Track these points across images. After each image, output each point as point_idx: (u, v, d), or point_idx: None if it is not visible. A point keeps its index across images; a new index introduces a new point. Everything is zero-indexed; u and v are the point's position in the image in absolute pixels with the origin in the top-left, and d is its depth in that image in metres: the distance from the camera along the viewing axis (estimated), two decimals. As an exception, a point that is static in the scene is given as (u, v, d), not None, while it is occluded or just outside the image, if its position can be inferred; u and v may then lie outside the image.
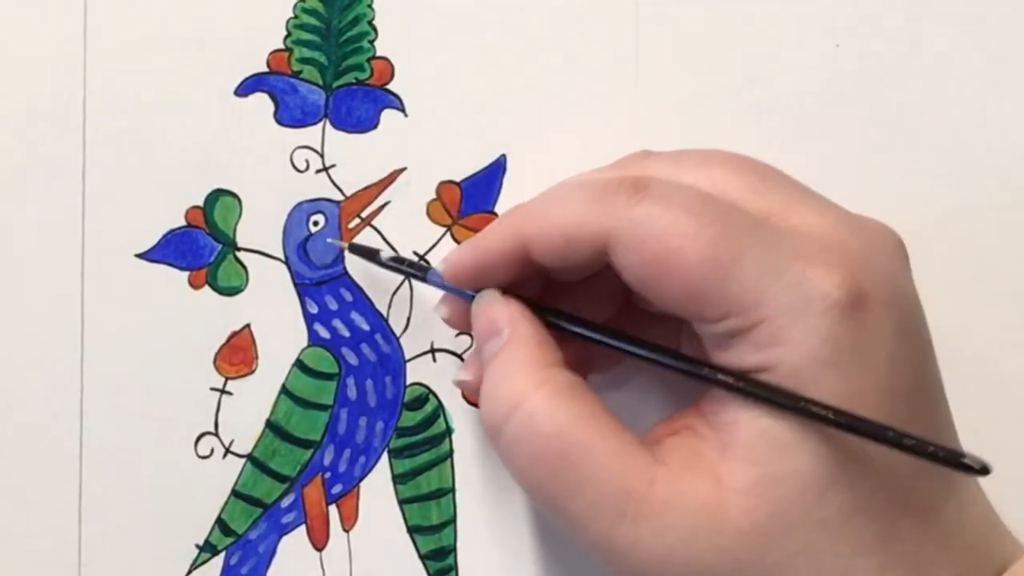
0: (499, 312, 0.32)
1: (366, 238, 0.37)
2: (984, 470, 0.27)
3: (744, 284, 0.29)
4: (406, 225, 0.37)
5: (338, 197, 0.37)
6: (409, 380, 0.38)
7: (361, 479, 0.38)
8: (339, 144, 0.37)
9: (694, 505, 0.29)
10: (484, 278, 0.33)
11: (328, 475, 0.37)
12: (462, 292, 0.34)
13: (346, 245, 0.37)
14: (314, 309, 0.37)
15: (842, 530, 0.28)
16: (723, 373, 0.30)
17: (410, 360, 0.38)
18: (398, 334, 0.38)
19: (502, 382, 0.31)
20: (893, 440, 0.28)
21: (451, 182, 0.38)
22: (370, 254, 0.36)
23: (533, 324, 0.32)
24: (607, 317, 0.34)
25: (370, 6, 0.37)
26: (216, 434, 0.37)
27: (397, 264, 0.35)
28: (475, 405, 0.37)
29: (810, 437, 0.28)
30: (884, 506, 0.29)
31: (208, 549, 0.37)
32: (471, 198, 0.38)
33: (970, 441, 0.31)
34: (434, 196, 0.38)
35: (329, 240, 0.37)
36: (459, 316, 0.34)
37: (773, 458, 0.28)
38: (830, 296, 0.28)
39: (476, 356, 0.34)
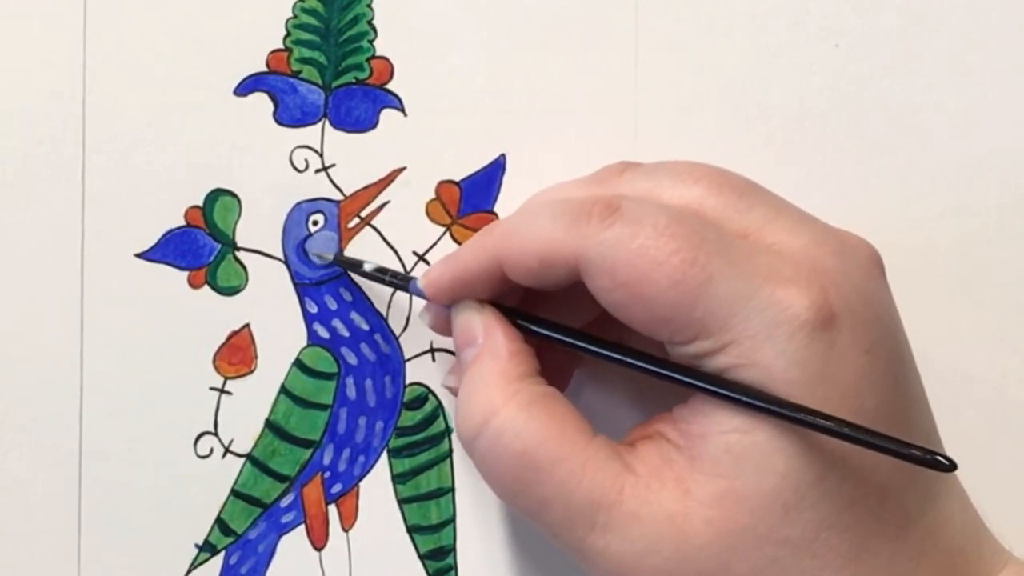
0: (474, 321, 0.33)
1: (366, 238, 0.37)
2: (951, 465, 0.27)
3: (712, 308, 0.29)
4: (405, 225, 0.37)
5: (337, 197, 0.37)
6: (408, 380, 0.38)
7: (361, 479, 0.38)
8: (338, 144, 0.37)
9: (661, 516, 0.29)
10: (462, 293, 0.33)
11: (328, 475, 0.37)
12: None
13: (330, 258, 0.37)
14: (313, 309, 0.37)
15: (810, 546, 0.28)
16: (698, 376, 0.30)
17: (409, 360, 0.38)
18: (397, 334, 0.38)
19: (474, 394, 0.31)
20: (849, 435, 0.28)
21: (450, 182, 0.38)
22: (354, 266, 0.37)
23: (508, 334, 0.32)
24: (588, 320, 0.35)
25: (369, 6, 0.37)
26: (216, 434, 0.37)
27: (380, 275, 0.36)
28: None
29: (778, 454, 0.29)
30: (855, 523, 0.29)
31: (207, 549, 0.37)
32: (471, 198, 0.38)
33: (960, 447, 0.31)
34: (433, 196, 0.38)
35: (314, 253, 0.37)
36: (442, 323, 0.35)
37: (739, 473, 0.29)
38: (799, 318, 0.28)
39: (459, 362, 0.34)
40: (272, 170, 0.37)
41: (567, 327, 0.33)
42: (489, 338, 0.32)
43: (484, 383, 0.31)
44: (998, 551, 0.31)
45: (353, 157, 0.37)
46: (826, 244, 0.31)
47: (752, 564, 0.28)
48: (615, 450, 0.31)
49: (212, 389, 0.37)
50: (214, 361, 0.37)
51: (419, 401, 0.38)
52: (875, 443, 0.28)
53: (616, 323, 0.32)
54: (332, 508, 0.37)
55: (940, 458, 0.27)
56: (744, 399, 0.29)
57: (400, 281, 0.35)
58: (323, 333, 0.37)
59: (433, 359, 0.38)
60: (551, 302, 0.34)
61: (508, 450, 0.30)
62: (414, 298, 0.38)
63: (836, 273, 0.30)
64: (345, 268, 0.37)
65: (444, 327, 0.35)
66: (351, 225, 0.37)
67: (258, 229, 0.37)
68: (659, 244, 0.29)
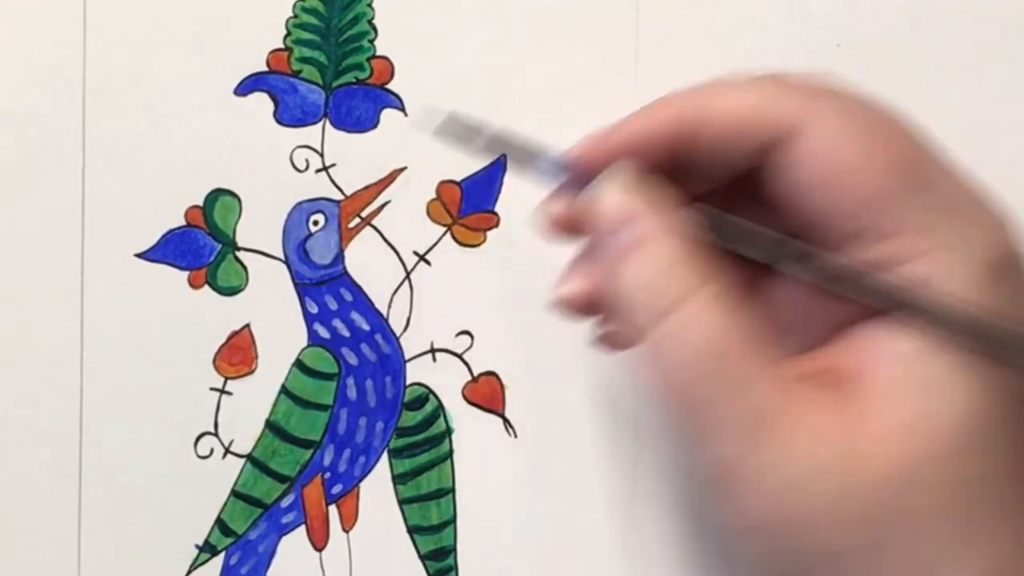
0: (641, 197, 0.29)
1: (366, 237, 0.37)
2: None
3: (929, 207, 0.27)
4: (406, 225, 0.37)
5: (338, 196, 0.37)
6: (409, 380, 0.38)
7: (361, 479, 0.37)
8: (339, 143, 0.37)
9: (830, 442, 0.27)
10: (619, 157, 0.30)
11: (328, 475, 0.37)
12: (577, 185, 0.30)
13: (443, 119, 0.31)
14: (314, 309, 0.37)
15: (979, 490, 0.26)
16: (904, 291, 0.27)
17: (410, 360, 0.38)
18: (398, 334, 0.38)
19: (663, 273, 0.28)
20: None
21: (451, 181, 0.38)
22: (465, 135, 0.31)
23: (683, 220, 0.29)
24: None
25: (370, 5, 0.38)
26: (216, 434, 0.37)
27: (494, 146, 0.31)
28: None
29: (956, 389, 0.27)
30: None
31: (208, 549, 0.37)
32: (471, 197, 0.38)
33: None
34: (434, 195, 0.38)
35: (433, 131, 0.31)
36: (567, 219, 0.31)
37: (913, 406, 0.27)
38: (997, 251, 0.27)
39: (586, 260, 0.31)
40: (272, 170, 0.37)
41: (754, 226, 0.30)
42: (666, 215, 0.29)
43: (668, 265, 0.28)
44: None
45: (353, 157, 0.37)
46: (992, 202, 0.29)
47: (921, 504, 0.26)
48: (790, 369, 0.28)
49: (212, 389, 0.37)
50: (214, 361, 0.37)
51: (419, 401, 0.38)
52: None
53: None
54: (332, 508, 0.37)
55: None
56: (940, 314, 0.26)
57: (523, 156, 0.30)
58: (324, 333, 0.37)
59: (434, 359, 0.38)
60: None
61: (694, 337, 0.27)
62: (416, 298, 0.38)
63: (1013, 223, 0.29)
64: (452, 139, 0.31)
65: (570, 220, 0.30)
66: (352, 225, 0.37)
67: (258, 229, 0.37)
68: (897, 126, 0.28)
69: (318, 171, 0.37)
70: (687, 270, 0.28)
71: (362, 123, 0.37)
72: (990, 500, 0.27)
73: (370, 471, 0.38)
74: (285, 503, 0.37)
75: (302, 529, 0.37)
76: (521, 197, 0.36)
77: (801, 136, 0.28)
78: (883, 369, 0.27)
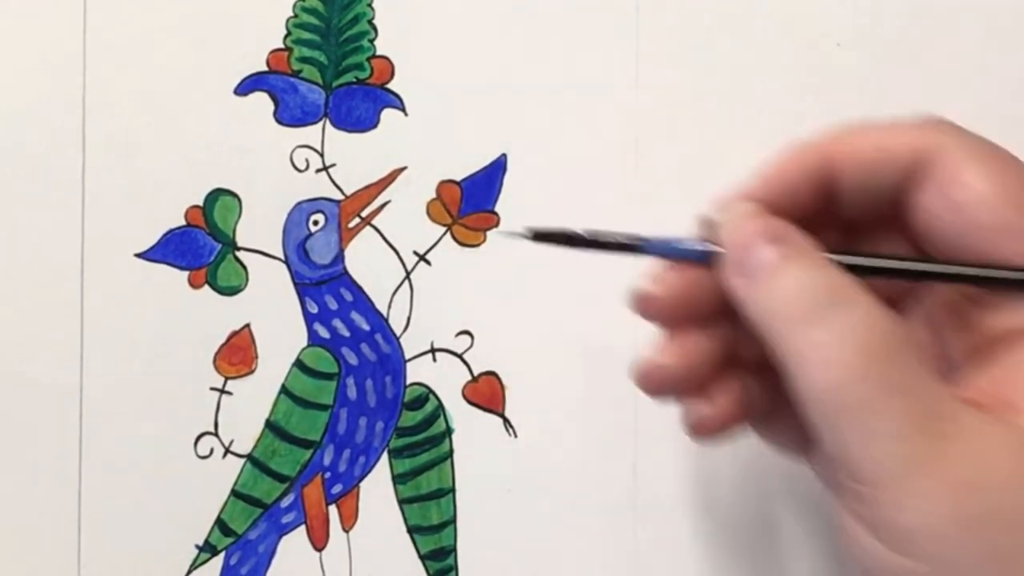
0: (773, 222, 0.29)
1: (365, 238, 0.37)
2: None
3: None
4: (406, 224, 0.37)
5: (338, 196, 0.37)
6: (409, 380, 0.38)
7: (361, 479, 0.37)
8: (339, 143, 0.37)
9: (1011, 444, 0.26)
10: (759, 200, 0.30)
11: (328, 475, 0.37)
12: (700, 254, 0.29)
13: (531, 234, 0.30)
14: (314, 309, 0.37)
15: None
16: None
17: (410, 360, 0.38)
18: (398, 334, 0.38)
19: (813, 277, 0.28)
20: None
21: (451, 181, 0.38)
22: (565, 240, 0.30)
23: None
24: None
25: (370, 5, 0.38)
26: (216, 434, 0.37)
27: (601, 244, 0.30)
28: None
29: None
30: None
31: (208, 549, 0.37)
32: (471, 197, 0.38)
33: None
34: (434, 195, 0.38)
35: (512, 232, 0.30)
36: (679, 290, 0.30)
37: None
38: None
39: (676, 337, 0.30)
40: (272, 170, 0.37)
41: (889, 255, 0.30)
42: (801, 240, 0.29)
43: (826, 273, 0.28)
44: None
45: (354, 157, 0.37)
46: None
47: None
48: (950, 389, 0.28)
49: (212, 389, 0.37)
50: (214, 361, 0.37)
51: (419, 401, 0.38)
52: None
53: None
54: (332, 508, 0.37)
55: None
56: None
57: (635, 243, 0.30)
58: (324, 333, 0.37)
59: (434, 359, 0.38)
60: None
61: (871, 329, 0.27)
62: (416, 298, 0.38)
63: None
64: (550, 243, 0.30)
65: (677, 298, 0.30)
66: (352, 225, 0.37)
67: (258, 229, 0.37)
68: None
69: (318, 171, 0.37)
70: (843, 278, 0.28)
71: (362, 123, 0.37)
72: None
73: (370, 471, 0.38)
74: (285, 503, 0.37)
75: (302, 529, 0.37)
76: (521, 198, 0.36)
77: (932, 166, 0.29)
78: None
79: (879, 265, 0.29)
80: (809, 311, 0.27)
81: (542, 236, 0.30)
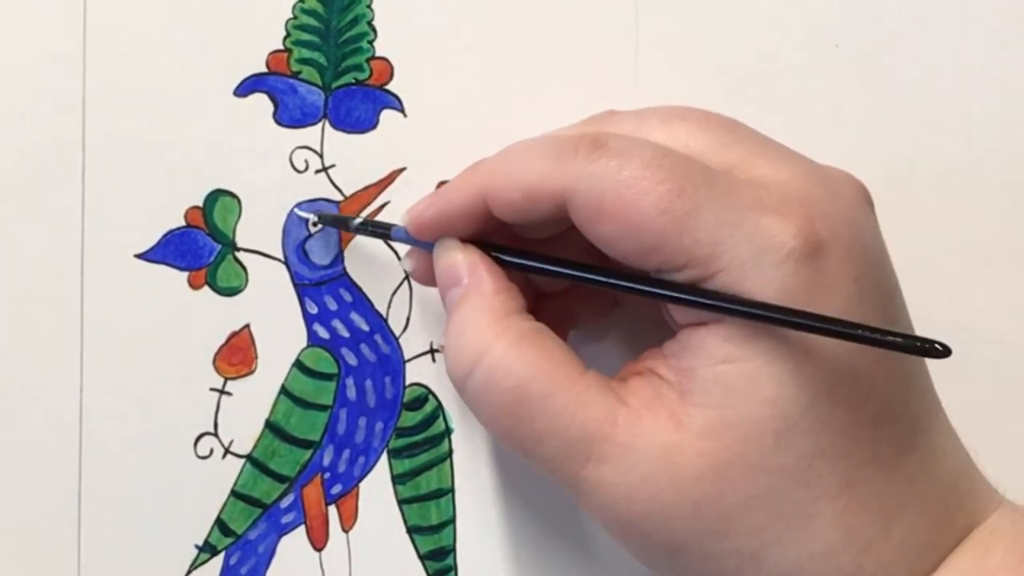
0: (458, 259, 0.33)
1: (365, 239, 0.37)
2: (945, 351, 0.27)
3: (700, 236, 0.29)
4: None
5: (337, 197, 0.37)
6: (408, 380, 0.38)
7: (360, 479, 0.38)
8: (338, 144, 0.37)
9: (654, 448, 0.29)
10: (445, 230, 0.33)
11: (327, 475, 0.37)
12: (427, 245, 0.34)
13: (315, 217, 0.37)
14: (313, 309, 0.37)
15: (802, 475, 0.29)
16: (679, 288, 0.30)
17: (409, 360, 0.38)
18: (397, 334, 0.38)
19: (463, 334, 0.31)
20: (843, 332, 0.28)
21: (451, 182, 0.38)
22: (340, 222, 0.36)
23: (493, 271, 0.32)
24: None
25: (369, 6, 0.37)
26: (216, 434, 0.37)
27: (364, 227, 0.36)
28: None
29: (767, 382, 0.29)
30: (847, 451, 0.29)
31: (207, 549, 0.37)
32: (470, 198, 0.38)
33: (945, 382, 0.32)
34: (434, 196, 0.38)
35: (297, 211, 0.37)
36: (424, 268, 0.35)
37: (730, 402, 0.29)
38: (786, 246, 0.29)
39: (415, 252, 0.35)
40: (272, 170, 0.37)
41: (548, 256, 0.33)
42: (474, 276, 0.32)
43: (473, 322, 0.31)
44: (991, 492, 0.32)
45: (353, 158, 0.37)
46: (812, 176, 0.31)
47: (746, 493, 0.29)
48: (607, 384, 0.31)
49: (212, 390, 0.37)
50: (214, 361, 0.37)
51: (419, 402, 0.38)
52: (870, 337, 0.27)
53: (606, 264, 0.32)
54: (332, 509, 0.37)
55: (936, 345, 0.27)
56: (742, 308, 0.28)
57: (383, 229, 0.35)
58: (323, 334, 0.37)
59: (433, 360, 0.38)
60: (539, 249, 0.34)
61: (500, 386, 0.30)
62: (416, 298, 0.38)
63: (823, 203, 0.30)
64: (332, 226, 0.37)
65: (427, 274, 0.34)
66: (351, 226, 0.37)
67: (258, 229, 0.37)
68: (646, 175, 0.29)
69: (317, 172, 0.37)
70: (488, 322, 0.31)
71: (361, 124, 0.37)
72: (814, 482, 0.29)
73: (370, 471, 0.38)
74: (285, 503, 0.37)
75: (302, 529, 0.37)
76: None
77: (571, 206, 0.30)
78: (702, 371, 0.29)
79: (546, 267, 0.32)
80: (461, 373, 0.31)
81: (326, 220, 0.37)
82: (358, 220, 0.36)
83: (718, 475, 0.29)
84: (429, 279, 0.34)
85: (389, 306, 0.38)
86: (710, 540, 0.29)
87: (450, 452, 0.38)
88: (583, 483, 0.30)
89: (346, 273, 0.37)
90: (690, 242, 0.29)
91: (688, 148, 0.31)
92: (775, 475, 0.29)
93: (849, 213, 0.31)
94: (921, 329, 0.31)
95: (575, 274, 0.32)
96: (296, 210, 0.37)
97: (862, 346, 0.28)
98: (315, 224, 0.37)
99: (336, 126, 0.37)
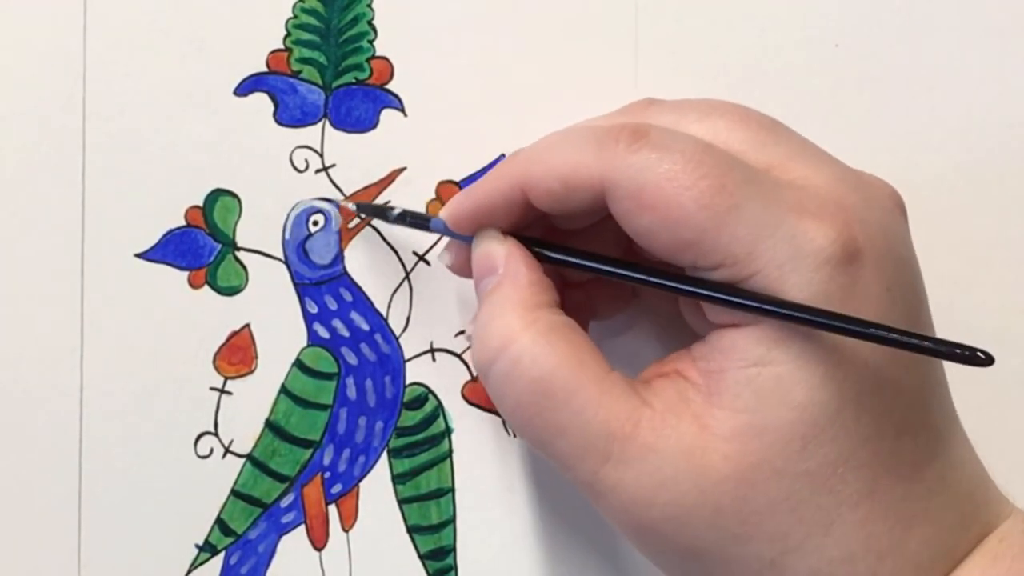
0: (495, 249, 0.33)
1: (366, 238, 0.37)
2: (988, 359, 0.27)
3: (738, 235, 0.29)
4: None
5: (338, 197, 0.37)
6: (409, 380, 0.38)
7: (361, 479, 0.38)
8: (339, 144, 0.37)
9: (677, 450, 0.29)
10: (483, 222, 0.33)
11: (328, 475, 0.37)
12: (464, 238, 0.34)
13: (355, 205, 0.37)
14: (314, 309, 0.37)
15: (827, 481, 0.29)
16: (715, 287, 0.30)
17: (409, 360, 0.38)
18: (398, 334, 0.38)
19: (492, 320, 0.31)
20: (890, 339, 0.27)
21: (451, 182, 0.38)
22: (380, 211, 0.36)
23: (529, 264, 0.32)
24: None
25: (369, 6, 0.37)
26: (216, 434, 0.37)
27: (403, 217, 0.35)
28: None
29: (797, 387, 0.28)
30: (870, 459, 0.29)
31: (208, 549, 0.37)
32: (471, 198, 0.38)
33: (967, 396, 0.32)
34: (434, 196, 0.38)
35: (341, 202, 0.37)
36: (463, 262, 0.34)
37: (758, 406, 0.29)
38: (824, 251, 0.28)
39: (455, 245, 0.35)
40: (272, 170, 0.37)
41: (587, 252, 0.33)
42: (509, 266, 0.32)
43: (503, 310, 0.31)
44: (1003, 500, 0.32)
45: (353, 157, 0.37)
46: (850, 182, 0.31)
47: (769, 498, 0.29)
48: (631, 385, 0.31)
49: (212, 389, 0.37)
50: (214, 361, 0.37)
51: (419, 401, 0.38)
52: (918, 344, 0.27)
53: (639, 259, 0.32)
54: (332, 508, 0.37)
55: (979, 353, 0.27)
56: (787, 312, 0.28)
57: (422, 220, 0.35)
58: (323, 333, 0.37)
59: (433, 359, 0.38)
60: (573, 241, 0.34)
61: (525, 376, 0.30)
62: (416, 297, 0.38)
63: (860, 210, 0.30)
64: (370, 215, 0.37)
65: (465, 267, 0.34)
66: (351, 225, 0.37)
67: (258, 229, 0.37)
68: (687, 169, 0.29)
69: (318, 171, 0.37)
70: (518, 311, 0.31)
71: (362, 123, 0.37)
72: (837, 489, 0.29)
73: (370, 471, 0.38)
74: (285, 503, 0.37)
75: (302, 529, 0.37)
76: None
77: (609, 197, 0.30)
78: (732, 373, 0.29)
79: (584, 263, 0.32)
80: (487, 359, 0.31)
81: (366, 209, 0.37)
82: (397, 210, 0.35)
83: (742, 479, 0.29)
84: (467, 271, 0.34)
85: (389, 306, 0.38)
86: (730, 545, 0.29)
87: (450, 452, 0.38)
88: (600, 483, 0.30)
89: (346, 272, 0.37)
90: (728, 239, 0.29)
91: (727, 144, 0.31)
92: (800, 480, 0.28)
93: (884, 221, 0.31)
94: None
95: (618, 272, 0.32)
96: (339, 202, 0.37)
97: (891, 355, 0.29)
98: (358, 215, 0.37)
99: (336, 126, 0.37)
